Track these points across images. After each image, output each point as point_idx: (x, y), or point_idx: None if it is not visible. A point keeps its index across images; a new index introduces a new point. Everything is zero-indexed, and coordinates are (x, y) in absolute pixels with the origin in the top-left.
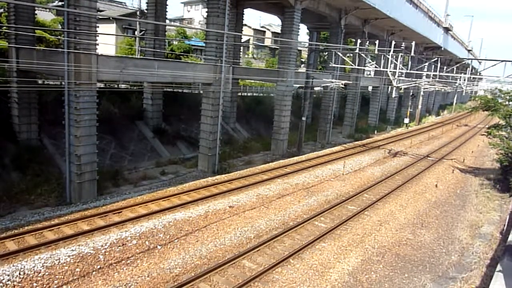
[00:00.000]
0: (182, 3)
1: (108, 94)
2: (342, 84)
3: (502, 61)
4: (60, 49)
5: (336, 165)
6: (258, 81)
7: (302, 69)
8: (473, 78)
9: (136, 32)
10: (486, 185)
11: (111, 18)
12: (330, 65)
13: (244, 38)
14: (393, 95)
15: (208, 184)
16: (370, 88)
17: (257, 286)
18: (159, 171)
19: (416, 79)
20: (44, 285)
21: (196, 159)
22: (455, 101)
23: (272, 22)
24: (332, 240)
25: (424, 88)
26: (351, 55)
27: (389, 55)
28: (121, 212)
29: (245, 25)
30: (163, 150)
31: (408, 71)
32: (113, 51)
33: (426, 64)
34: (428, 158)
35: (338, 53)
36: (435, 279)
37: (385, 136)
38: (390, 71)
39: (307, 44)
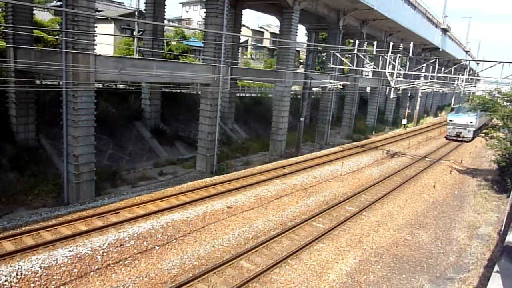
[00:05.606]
0: (180, 3)
1: (106, 94)
2: (340, 85)
3: (500, 62)
4: (58, 49)
5: (334, 166)
6: (256, 82)
7: (301, 70)
8: (471, 79)
9: (134, 32)
10: (484, 186)
11: (109, 18)
12: (329, 66)
13: (242, 39)
14: (391, 96)
15: (206, 184)
16: (368, 89)
17: (255, 286)
18: (157, 172)
19: (414, 80)
20: (42, 286)
21: (194, 159)
22: (453, 102)
23: (270, 22)
24: (330, 240)
25: (422, 89)
26: (350, 56)
27: (387, 56)
28: (119, 212)
29: (244, 25)
30: (161, 150)
31: (406, 72)
32: (111, 51)
33: (424, 65)
34: (426, 159)
35: (337, 54)
36: (433, 280)
37: (383, 137)
38: (388, 72)
39: (305, 45)
